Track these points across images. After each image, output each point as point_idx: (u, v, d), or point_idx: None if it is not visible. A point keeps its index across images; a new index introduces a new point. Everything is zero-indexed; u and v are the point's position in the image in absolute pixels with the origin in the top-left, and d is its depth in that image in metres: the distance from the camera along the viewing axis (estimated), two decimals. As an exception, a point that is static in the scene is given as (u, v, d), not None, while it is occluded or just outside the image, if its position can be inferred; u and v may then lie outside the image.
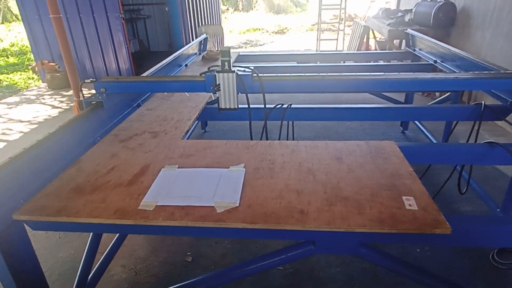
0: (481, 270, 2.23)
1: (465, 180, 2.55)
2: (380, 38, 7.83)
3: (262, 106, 2.34)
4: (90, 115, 2.01)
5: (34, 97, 6.61)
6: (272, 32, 16.46)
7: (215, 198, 1.33)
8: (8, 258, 1.27)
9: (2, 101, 6.47)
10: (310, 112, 2.63)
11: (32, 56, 8.40)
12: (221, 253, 2.46)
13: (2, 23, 17.90)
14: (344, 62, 4.62)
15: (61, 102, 6.25)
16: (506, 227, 1.36)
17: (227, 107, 2.11)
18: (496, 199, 2.63)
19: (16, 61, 10.20)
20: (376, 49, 8.02)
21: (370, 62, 4.93)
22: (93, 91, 2.13)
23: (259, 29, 17.03)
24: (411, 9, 6.31)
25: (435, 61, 3.36)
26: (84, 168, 1.61)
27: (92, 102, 2.11)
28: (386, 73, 2.30)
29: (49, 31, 6.96)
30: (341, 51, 9.62)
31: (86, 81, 2.15)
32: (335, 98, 5.00)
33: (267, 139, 2.08)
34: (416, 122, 4.11)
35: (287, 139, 2.54)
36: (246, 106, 2.22)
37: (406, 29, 4.27)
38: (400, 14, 6.91)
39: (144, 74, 2.63)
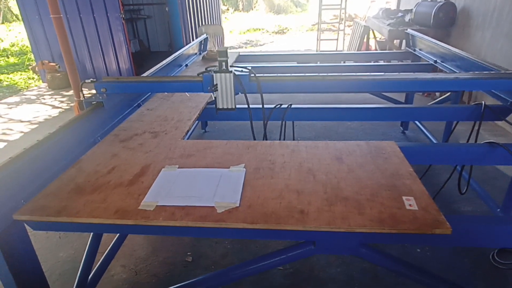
0: (481, 270, 2.23)
1: (465, 180, 2.55)
2: (380, 38, 7.83)
3: (258, 106, 2.34)
4: (90, 115, 2.01)
5: (35, 97, 6.61)
6: (272, 32, 16.47)
7: (215, 198, 1.34)
8: (9, 258, 1.27)
9: (3, 101, 6.47)
10: (310, 112, 2.63)
11: (32, 56, 8.41)
12: (221, 253, 2.46)
13: (3, 23, 17.91)
14: (344, 62, 4.62)
15: (62, 102, 6.25)
16: (506, 227, 1.36)
17: (225, 107, 2.12)
18: (496, 199, 2.63)
19: (16, 61, 10.21)
20: (376, 49, 8.02)
21: (370, 62, 4.93)
22: (93, 91, 2.13)
23: (259, 29, 17.03)
24: (411, 9, 6.30)
25: (435, 61, 3.36)
26: (85, 168, 1.61)
27: (93, 102, 2.11)
28: (386, 73, 2.29)
29: (49, 31, 6.97)
30: (341, 51, 9.62)
31: (86, 81, 2.15)
32: (335, 98, 5.00)
33: (266, 139, 2.08)
34: (416, 122, 4.11)
35: (286, 139, 2.54)
36: (245, 106, 2.22)
37: (406, 29, 4.28)
38: (400, 14, 6.91)
39: (145, 74, 2.64)
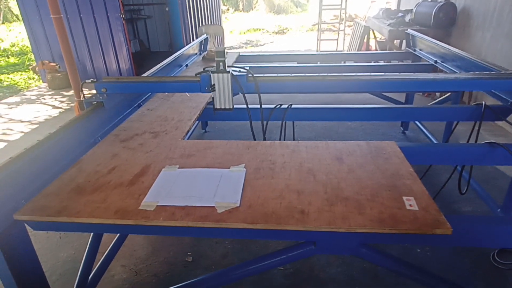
0: (481, 270, 2.23)
1: (465, 180, 2.55)
2: (380, 38, 7.83)
3: (263, 106, 2.33)
4: (90, 115, 2.01)
5: (35, 97, 6.61)
6: (273, 32, 16.47)
7: (215, 198, 1.34)
8: (9, 258, 1.27)
9: (3, 101, 6.47)
10: (311, 112, 2.63)
11: (32, 56, 8.41)
12: (221, 253, 2.46)
13: (3, 23, 17.91)
14: (344, 62, 4.62)
15: (62, 102, 6.26)
16: (506, 227, 1.36)
17: (222, 107, 2.12)
18: (497, 199, 2.63)
19: (16, 61, 10.21)
20: (376, 49, 8.02)
21: (371, 62, 4.93)
22: (94, 91, 2.13)
23: (260, 29, 17.04)
24: (412, 9, 6.30)
25: (436, 61, 3.36)
26: (85, 168, 1.61)
27: (93, 102, 2.11)
28: (386, 73, 2.29)
29: (49, 31, 6.97)
30: (341, 51, 9.62)
31: (86, 81, 2.16)
32: (335, 98, 5.00)
33: (265, 139, 2.08)
34: (417, 122, 4.11)
35: (287, 139, 2.54)
36: (244, 106, 2.23)
37: (407, 29, 4.28)
38: (400, 14, 6.91)
39: (145, 75, 2.64)
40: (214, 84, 2.05)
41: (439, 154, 1.99)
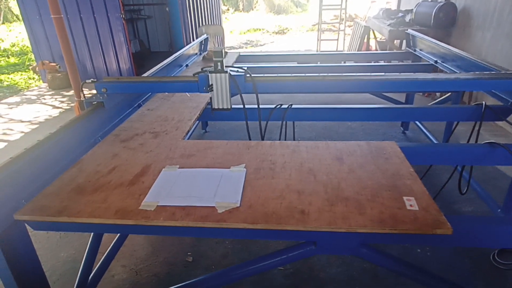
0: (481, 270, 2.23)
1: (465, 181, 2.55)
2: (380, 39, 7.83)
3: (261, 106, 2.33)
4: (91, 115, 2.01)
5: (35, 97, 6.62)
6: (273, 32, 16.47)
7: (216, 198, 1.34)
8: (10, 258, 1.27)
9: (3, 101, 6.47)
10: (311, 112, 2.63)
11: (32, 56, 8.41)
12: (222, 253, 2.46)
13: (3, 23, 17.92)
14: (344, 63, 4.62)
15: (62, 102, 6.26)
16: (507, 228, 1.36)
17: (220, 107, 2.12)
18: (497, 200, 2.63)
19: (16, 61, 10.22)
20: (376, 50, 8.02)
21: (371, 62, 4.94)
22: (94, 91, 2.13)
23: (260, 29, 17.04)
24: (412, 9, 6.30)
25: (436, 62, 3.36)
26: (85, 168, 1.61)
27: (93, 102, 2.11)
28: (386, 74, 2.29)
29: (49, 31, 6.97)
30: (341, 51, 9.62)
31: (87, 81, 2.15)
32: (336, 98, 5.00)
33: (262, 140, 2.08)
34: (417, 122, 4.10)
35: (287, 139, 2.54)
36: (247, 106, 2.22)
37: (407, 30, 4.28)
38: (400, 14, 6.91)
39: (145, 75, 2.64)
40: (212, 84, 2.05)
41: (439, 154, 1.99)
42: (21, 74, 8.59)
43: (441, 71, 3.24)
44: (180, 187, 1.43)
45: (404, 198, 1.31)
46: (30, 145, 1.51)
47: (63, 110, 5.82)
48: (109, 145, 1.86)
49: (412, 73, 2.33)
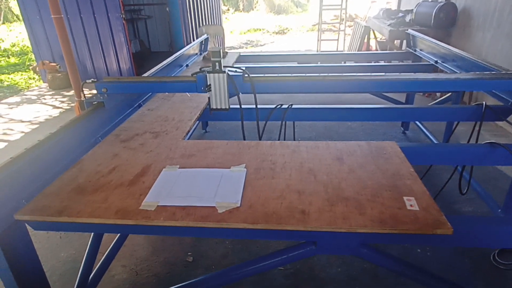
0: (481, 271, 2.22)
1: (466, 181, 2.55)
2: (381, 39, 7.83)
3: (260, 106, 2.33)
4: (91, 115, 2.01)
5: (35, 97, 6.62)
6: (273, 33, 16.47)
7: (216, 198, 1.34)
8: (10, 258, 1.27)
9: (3, 101, 6.48)
10: (311, 112, 2.63)
11: (33, 56, 8.41)
12: (222, 253, 2.46)
13: (3, 23, 17.92)
14: (344, 63, 4.62)
15: (62, 102, 6.26)
16: (507, 228, 1.36)
17: (218, 107, 2.12)
18: (497, 200, 2.63)
19: (17, 61, 10.22)
20: (377, 50, 8.02)
21: (371, 62, 4.93)
22: (94, 91, 2.13)
23: (260, 30, 17.04)
24: (412, 10, 6.30)
25: (436, 62, 3.36)
26: (86, 168, 1.61)
27: (93, 102, 2.11)
28: (387, 74, 2.29)
29: (50, 31, 6.97)
30: (341, 51, 9.61)
31: (87, 81, 2.15)
32: (336, 98, 5.00)
33: (260, 140, 2.07)
34: (417, 122, 4.10)
35: (287, 139, 2.54)
36: (247, 106, 2.22)
37: (407, 30, 4.27)
38: (401, 14, 6.91)
39: (145, 75, 2.64)
40: (210, 84, 2.05)
41: (439, 154, 1.99)
42: (22, 74, 8.60)
43: (442, 71, 3.24)
44: (180, 187, 1.43)
45: (404, 198, 1.31)
46: (30, 145, 1.52)
47: (64, 110, 5.82)
48: (110, 145, 1.86)
49: (412, 73, 2.33)
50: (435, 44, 3.42)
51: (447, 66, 3.13)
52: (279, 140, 2.03)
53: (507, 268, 2.21)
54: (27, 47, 11.53)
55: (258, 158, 1.65)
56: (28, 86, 7.54)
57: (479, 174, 3.14)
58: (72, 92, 6.22)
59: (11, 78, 8.21)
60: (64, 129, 1.75)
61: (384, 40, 7.22)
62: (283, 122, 2.50)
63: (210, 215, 1.25)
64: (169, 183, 1.46)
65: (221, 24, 11.33)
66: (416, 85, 2.16)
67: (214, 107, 2.13)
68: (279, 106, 2.48)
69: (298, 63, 4.18)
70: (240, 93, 2.18)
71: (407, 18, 6.52)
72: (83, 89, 2.21)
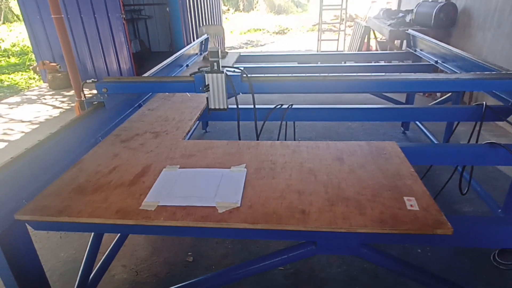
0: (482, 271, 2.22)
1: (466, 181, 2.55)
2: (381, 39, 7.83)
3: (260, 106, 2.33)
4: (91, 115, 2.01)
5: (35, 97, 6.62)
6: (273, 33, 16.47)
7: (216, 198, 1.34)
8: (10, 258, 1.27)
9: (4, 101, 6.48)
10: (311, 112, 2.63)
11: (33, 56, 8.41)
12: (222, 253, 2.46)
13: (4, 23, 17.93)
14: (345, 63, 4.62)
15: (62, 102, 6.26)
16: (507, 228, 1.36)
17: (217, 107, 2.12)
18: (497, 200, 2.63)
19: (17, 61, 10.22)
20: (377, 50, 8.02)
21: (371, 62, 4.93)
22: (94, 91, 2.13)
23: (260, 30, 17.04)
24: (412, 10, 6.30)
25: (436, 62, 3.36)
26: (86, 168, 1.61)
27: (94, 102, 2.11)
28: (387, 74, 2.29)
29: (50, 31, 6.98)
30: (342, 51, 9.62)
31: (87, 81, 2.16)
32: (336, 98, 5.00)
33: (257, 140, 2.08)
34: (417, 122, 4.10)
35: (287, 139, 2.54)
36: (242, 106, 2.22)
37: (407, 30, 4.28)
38: (401, 14, 6.91)
39: (145, 75, 2.64)
40: (208, 84, 2.06)
41: (439, 155, 1.99)
42: (22, 74, 8.60)
43: (442, 71, 3.24)
44: (180, 187, 1.43)
45: (405, 198, 1.31)
46: (30, 145, 1.52)
47: (64, 110, 5.82)
48: (110, 145, 1.86)
49: (412, 73, 2.33)
50: (435, 44, 3.42)
51: (447, 66, 3.13)
52: (279, 140, 2.03)
53: (507, 268, 2.21)
54: (27, 47, 11.53)
55: (258, 158, 1.65)
56: (28, 86, 7.54)
57: (479, 174, 3.14)
58: (72, 92, 6.22)
59: (11, 78, 8.21)
60: (64, 129, 1.75)
61: (384, 40, 7.22)
62: (284, 122, 2.50)
63: (210, 215, 1.25)
64: (169, 183, 1.46)
65: (221, 24, 11.33)
66: (416, 85, 2.16)
67: (212, 107, 2.13)
68: (279, 106, 2.48)
69: (298, 63, 4.18)
70: (240, 93, 2.19)
71: (407, 18, 6.52)
72: (83, 89, 2.21)
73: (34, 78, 8.06)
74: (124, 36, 6.94)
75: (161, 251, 2.49)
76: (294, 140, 2.48)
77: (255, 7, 24.99)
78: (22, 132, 4.92)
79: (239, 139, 2.07)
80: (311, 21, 17.65)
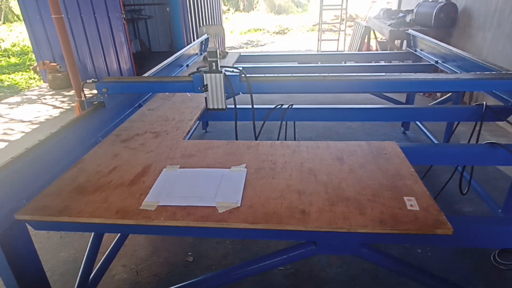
0: (482, 271, 2.22)
1: (466, 181, 2.55)
2: (381, 39, 7.83)
3: (260, 106, 2.33)
4: (91, 115, 2.01)
5: (36, 97, 6.62)
6: (273, 33, 16.46)
7: (216, 198, 1.34)
8: (10, 258, 1.28)
9: (4, 101, 6.48)
10: (311, 112, 2.63)
11: (33, 56, 8.42)
12: (222, 253, 2.46)
13: (4, 23, 17.93)
14: (345, 63, 4.62)
15: (63, 102, 6.26)
16: (507, 228, 1.36)
17: (215, 107, 2.13)
18: (497, 200, 2.63)
19: (17, 61, 10.22)
20: (377, 50, 8.02)
21: (371, 62, 4.93)
22: (95, 91, 2.13)
23: (260, 30, 17.03)
24: (412, 10, 6.30)
25: (436, 62, 3.36)
26: (86, 168, 1.61)
27: (94, 102, 2.11)
28: (387, 74, 2.29)
29: (50, 31, 6.98)
30: (342, 51, 9.62)
31: (87, 81, 2.16)
32: (336, 98, 5.00)
33: (256, 140, 2.08)
34: (417, 122, 4.10)
35: (288, 139, 2.54)
36: (241, 106, 2.22)
37: (407, 30, 4.27)
38: (401, 14, 6.91)
39: (146, 75, 2.64)
40: (206, 84, 2.06)
41: (440, 155, 1.99)
42: (22, 74, 8.60)
43: (442, 71, 3.24)
44: (180, 187, 1.43)
45: (405, 198, 1.31)
46: (31, 145, 1.52)
47: (64, 110, 5.82)
48: (110, 145, 1.87)
49: (412, 73, 2.33)
50: (435, 44, 3.41)
51: (448, 66, 3.13)
52: (279, 140, 2.03)
53: (507, 268, 2.21)
54: (28, 47, 11.53)
55: (258, 158, 1.66)
56: (28, 86, 7.54)
57: (480, 174, 3.14)
58: (72, 92, 6.23)
59: (12, 78, 8.21)
60: (64, 129, 1.75)
61: (385, 40, 7.22)
62: (283, 122, 2.50)
63: (210, 215, 1.25)
64: (170, 183, 1.46)
65: (221, 24, 11.33)
66: (417, 85, 2.16)
67: (211, 107, 2.13)
68: (279, 106, 2.48)
69: (298, 63, 4.18)
70: (240, 93, 2.19)
71: (408, 18, 6.51)
72: (84, 89, 2.21)
73: (34, 78, 8.06)
74: (124, 36, 6.94)
75: (161, 251, 2.49)
76: (294, 140, 2.48)
77: (255, 7, 24.99)
78: (22, 132, 4.92)
79: (236, 139, 2.07)
80: (311, 21, 17.64)
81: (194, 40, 8.07)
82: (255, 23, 18.41)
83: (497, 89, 2.43)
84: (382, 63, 4.98)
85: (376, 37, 8.05)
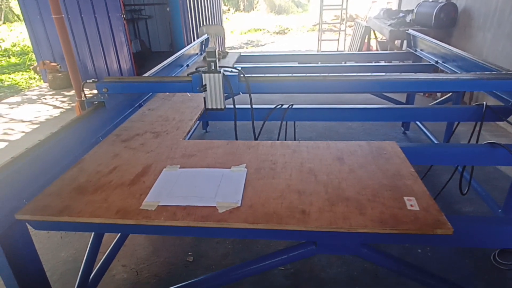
0: (482, 271, 2.22)
1: (466, 181, 2.55)
2: (381, 39, 7.83)
3: (260, 106, 2.33)
4: (92, 115, 2.01)
5: (36, 97, 6.62)
6: (273, 33, 16.46)
7: (216, 198, 1.34)
8: (11, 258, 1.28)
9: (4, 101, 6.48)
10: (312, 112, 2.63)
11: (33, 56, 8.41)
12: (222, 253, 2.46)
13: (4, 23, 17.94)
14: (345, 63, 4.62)
15: (63, 102, 6.26)
16: (507, 228, 1.36)
17: (214, 107, 2.13)
18: (498, 200, 2.63)
19: (17, 61, 10.22)
20: (377, 50, 8.02)
21: (372, 62, 4.93)
22: (95, 91, 2.13)
23: (260, 30, 17.03)
24: (413, 10, 6.30)
25: (437, 62, 3.36)
26: (86, 168, 1.62)
27: (94, 102, 2.11)
28: (387, 74, 2.29)
29: (50, 31, 6.98)
30: (342, 51, 9.62)
31: (88, 81, 2.16)
32: (336, 98, 5.00)
33: (255, 140, 2.08)
34: (418, 122, 4.10)
35: (288, 139, 2.54)
36: (241, 106, 2.22)
37: (408, 30, 4.27)
38: (401, 14, 6.91)
39: (146, 75, 2.64)
40: (205, 84, 2.06)
41: (440, 155, 1.99)
42: (22, 74, 8.60)
43: (442, 71, 3.24)
44: (181, 187, 1.43)
45: (405, 198, 1.31)
46: (31, 145, 1.52)
47: (64, 110, 5.82)
48: (110, 145, 1.87)
49: (412, 74, 2.33)
50: (435, 44, 3.41)
51: (448, 66, 3.13)
52: (279, 140, 2.03)
53: (507, 268, 2.21)
54: (28, 47, 11.53)
55: (258, 158, 1.66)
56: (28, 86, 7.54)
57: (480, 174, 3.14)
58: (72, 92, 6.23)
59: (12, 78, 8.22)
60: (64, 129, 1.76)
61: (385, 40, 7.22)
62: (283, 122, 2.50)
63: (210, 215, 1.25)
64: (170, 183, 1.46)
65: (221, 24, 11.33)
66: (417, 85, 2.16)
67: (210, 107, 2.13)
68: (279, 106, 2.48)
69: (298, 63, 4.18)
70: (240, 93, 2.19)
71: (408, 18, 6.51)
72: (84, 89, 2.21)
73: (34, 78, 8.07)
74: (125, 36, 6.94)
75: (161, 251, 2.49)
76: (295, 140, 2.48)
77: (256, 7, 24.98)
78: (23, 132, 4.92)
79: (236, 139, 2.07)
80: (312, 21, 17.64)
81: (194, 40, 8.07)
82: (255, 23, 18.41)
83: (497, 89, 2.43)
84: (382, 63, 4.98)
85: (376, 37, 8.05)
